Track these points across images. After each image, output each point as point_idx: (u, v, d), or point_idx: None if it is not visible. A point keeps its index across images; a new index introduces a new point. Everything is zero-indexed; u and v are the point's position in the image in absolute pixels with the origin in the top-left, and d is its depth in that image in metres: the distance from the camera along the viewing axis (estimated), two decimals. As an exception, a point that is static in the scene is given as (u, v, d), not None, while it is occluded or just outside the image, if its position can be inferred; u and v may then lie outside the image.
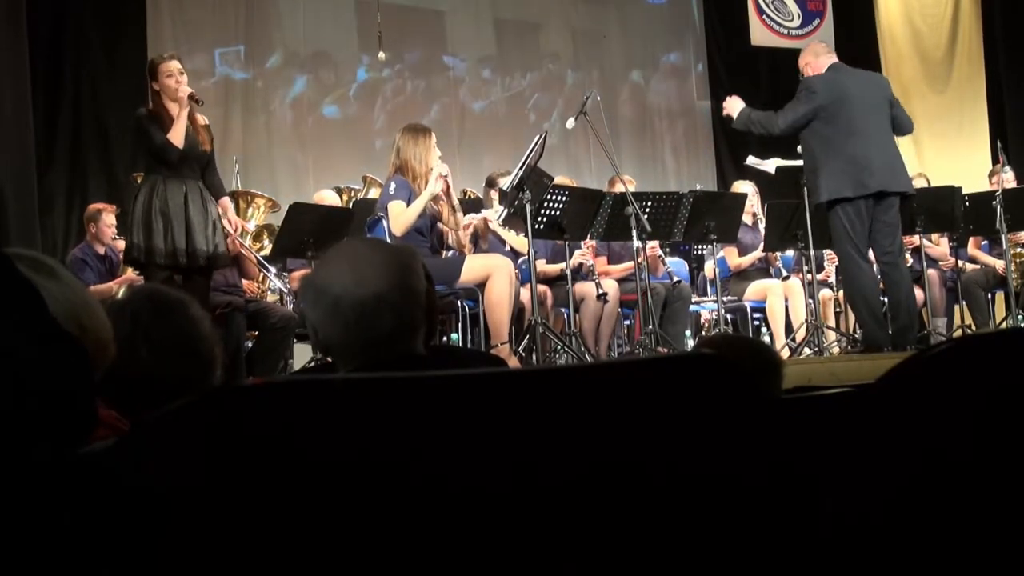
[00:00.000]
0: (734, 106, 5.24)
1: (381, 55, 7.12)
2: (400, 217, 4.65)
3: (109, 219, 5.70)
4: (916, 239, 6.27)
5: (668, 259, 6.19)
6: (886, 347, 4.90)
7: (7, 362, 0.80)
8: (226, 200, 4.88)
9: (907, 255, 5.59)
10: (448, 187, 4.82)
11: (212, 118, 7.34)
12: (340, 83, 7.92)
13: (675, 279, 5.79)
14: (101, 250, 5.59)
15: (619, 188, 5.34)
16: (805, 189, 5.37)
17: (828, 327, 5.77)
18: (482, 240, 5.53)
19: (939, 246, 6.65)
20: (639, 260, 5.30)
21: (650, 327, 5.26)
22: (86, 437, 0.88)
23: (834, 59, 5.10)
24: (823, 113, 4.89)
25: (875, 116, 4.93)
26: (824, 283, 6.21)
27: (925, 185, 6.31)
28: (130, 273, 5.31)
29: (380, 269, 1.48)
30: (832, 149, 4.86)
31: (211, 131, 4.83)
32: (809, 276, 5.79)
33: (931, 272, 6.39)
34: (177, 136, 4.51)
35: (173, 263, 4.52)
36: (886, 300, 5.14)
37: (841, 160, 4.83)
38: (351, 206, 6.25)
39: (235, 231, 4.94)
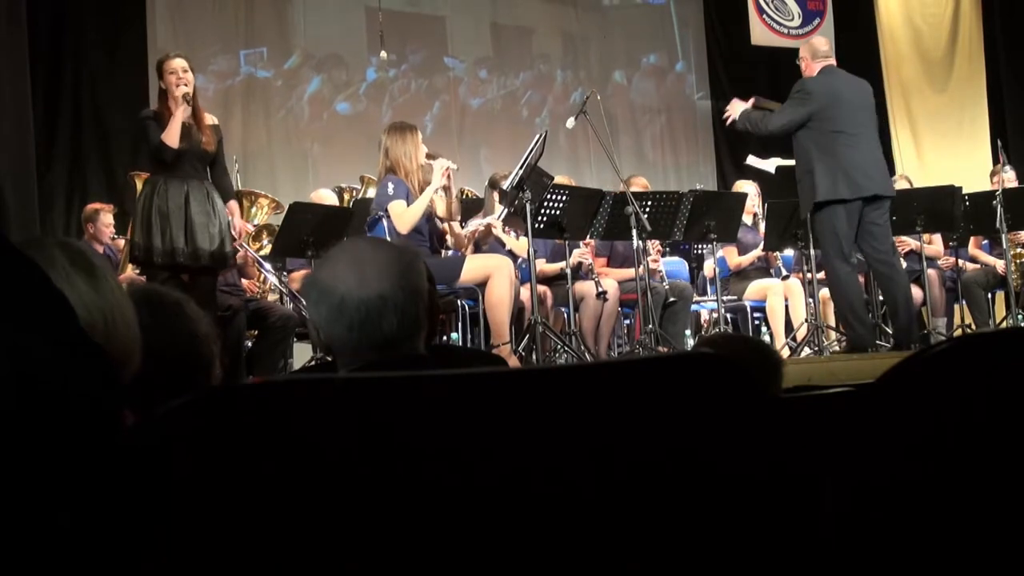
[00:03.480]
0: (736, 109, 5.27)
1: (383, 55, 7.56)
2: (404, 216, 4.64)
3: (107, 219, 5.71)
4: (910, 241, 6.28)
5: (668, 258, 6.20)
6: (871, 347, 4.92)
7: (32, 368, 0.80)
8: (233, 204, 4.86)
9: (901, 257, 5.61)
10: (451, 181, 4.83)
11: (234, 116, 7.66)
12: (352, 82, 8.43)
13: (667, 286, 5.80)
14: (100, 249, 5.60)
15: (635, 186, 5.35)
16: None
17: (828, 326, 5.78)
18: (482, 242, 5.53)
19: (932, 244, 6.63)
20: (640, 261, 5.31)
21: (650, 326, 5.26)
22: (105, 446, 0.88)
23: (829, 62, 5.12)
24: (817, 116, 4.92)
25: (864, 119, 4.98)
26: (824, 283, 6.21)
27: (907, 187, 6.32)
28: (130, 272, 5.31)
29: (384, 269, 1.48)
30: (825, 150, 4.90)
31: (219, 131, 4.78)
32: (809, 275, 5.79)
33: (931, 272, 6.38)
34: (171, 137, 4.46)
35: (171, 262, 4.50)
36: (884, 301, 5.15)
37: (834, 161, 4.87)
38: (351, 205, 6.26)
39: (239, 236, 4.92)
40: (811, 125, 4.94)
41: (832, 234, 4.88)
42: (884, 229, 4.96)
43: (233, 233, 4.74)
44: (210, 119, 4.75)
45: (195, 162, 4.61)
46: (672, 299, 5.79)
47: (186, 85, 4.53)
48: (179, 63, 4.58)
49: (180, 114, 4.49)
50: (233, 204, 4.84)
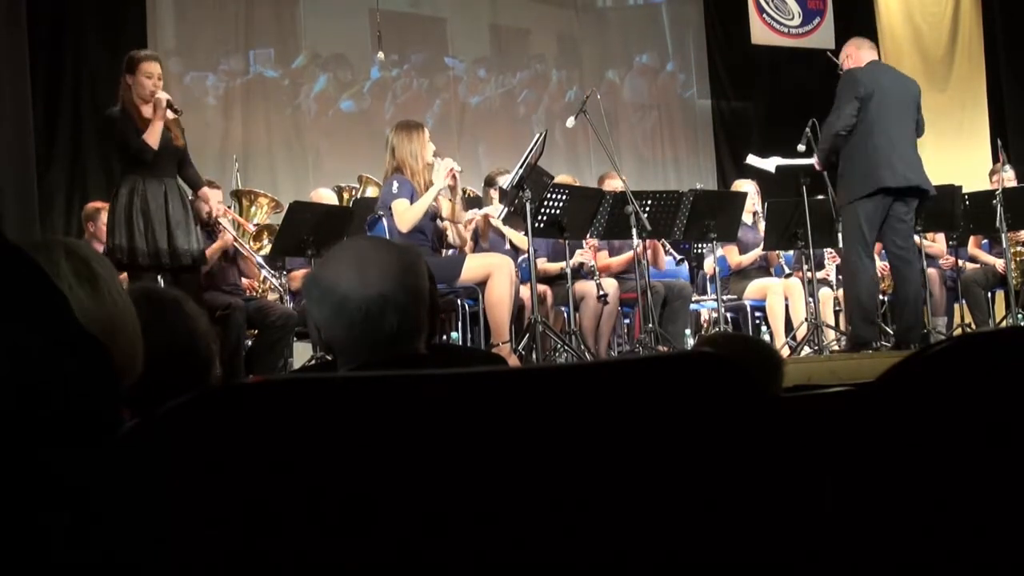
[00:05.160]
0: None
1: (380, 55, 7.68)
2: (406, 214, 4.64)
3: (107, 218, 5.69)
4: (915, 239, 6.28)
5: (667, 258, 6.20)
6: (874, 343, 4.94)
7: (32, 368, 0.80)
8: (206, 190, 4.91)
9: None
10: (456, 181, 4.83)
11: (244, 115, 7.85)
12: (356, 81, 8.67)
13: (678, 257, 5.85)
14: (100, 248, 5.59)
15: (609, 184, 5.37)
16: (804, 188, 5.39)
17: (828, 326, 5.78)
18: (482, 239, 5.53)
19: (935, 243, 6.64)
20: (639, 254, 5.31)
21: (650, 326, 5.26)
22: (105, 446, 0.88)
23: (875, 56, 5.18)
24: (862, 103, 4.96)
25: (902, 115, 5.00)
26: (824, 282, 6.21)
27: None
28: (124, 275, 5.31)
29: (386, 269, 1.48)
30: (856, 143, 4.93)
31: (180, 124, 4.81)
32: (809, 275, 5.79)
33: (931, 271, 6.39)
34: (153, 138, 4.52)
35: (156, 263, 4.52)
36: (895, 296, 5.17)
37: (862, 156, 4.90)
38: (351, 205, 6.26)
39: (218, 215, 4.95)
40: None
41: (857, 228, 4.93)
42: (907, 227, 5.03)
43: (222, 222, 4.79)
44: (171, 114, 4.79)
45: (169, 160, 4.66)
46: (680, 257, 5.84)
47: (160, 90, 4.60)
48: (157, 68, 4.65)
49: (161, 115, 4.55)
50: (205, 191, 4.91)
